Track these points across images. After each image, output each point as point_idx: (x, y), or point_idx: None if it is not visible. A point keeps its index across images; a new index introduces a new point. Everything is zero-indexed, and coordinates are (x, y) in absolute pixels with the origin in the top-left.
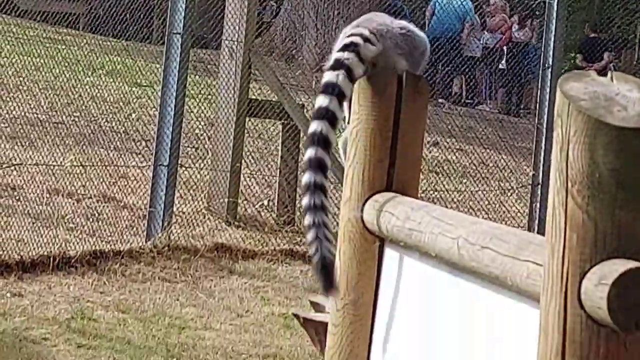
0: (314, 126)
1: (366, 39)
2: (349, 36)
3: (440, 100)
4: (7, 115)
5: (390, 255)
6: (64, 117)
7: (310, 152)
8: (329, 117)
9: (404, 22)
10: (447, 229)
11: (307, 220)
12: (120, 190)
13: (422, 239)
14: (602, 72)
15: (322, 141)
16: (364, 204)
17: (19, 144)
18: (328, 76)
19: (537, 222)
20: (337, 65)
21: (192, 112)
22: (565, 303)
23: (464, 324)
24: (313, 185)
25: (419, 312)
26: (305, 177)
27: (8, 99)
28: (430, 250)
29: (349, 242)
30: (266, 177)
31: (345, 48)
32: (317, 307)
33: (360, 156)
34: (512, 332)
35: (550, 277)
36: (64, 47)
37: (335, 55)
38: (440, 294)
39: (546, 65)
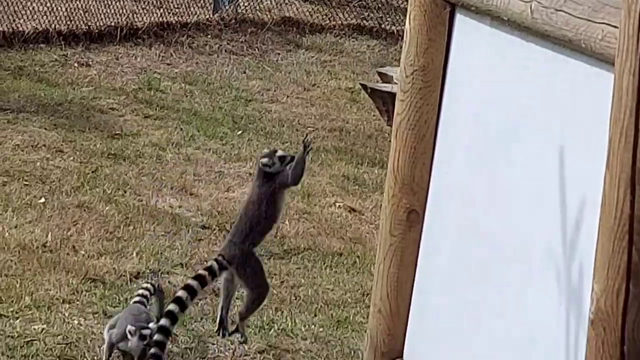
0: None
1: None
2: None
3: None
4: None
5: (461, 20)
6: None
7: None
8: None
9: None
10: None
11: None
12: None
13: (494, 3)
14: None
15: None
16: None
17: None
18: None
19: None
20: None
21: None
22: None
23: (536, 88)
24: None
25: (489, 77)
26: None
27: None
28: (503, 14)
29: (420, 8)
30: None
31: None
32: (384, 78)
33: None
34: (585, 97)
35: (626, 38)
36: None
37: None
38: (511, 59)
39: None
